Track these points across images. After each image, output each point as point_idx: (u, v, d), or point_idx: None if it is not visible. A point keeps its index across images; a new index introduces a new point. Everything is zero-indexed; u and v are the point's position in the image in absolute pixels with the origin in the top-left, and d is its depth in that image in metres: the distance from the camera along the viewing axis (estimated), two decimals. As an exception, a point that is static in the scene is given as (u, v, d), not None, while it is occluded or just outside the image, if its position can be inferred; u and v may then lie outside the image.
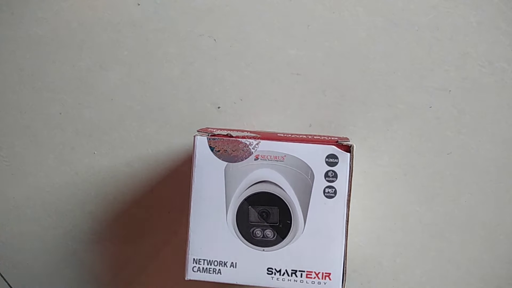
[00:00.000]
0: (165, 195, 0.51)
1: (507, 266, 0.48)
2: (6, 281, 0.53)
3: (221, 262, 0.38)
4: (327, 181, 0.38)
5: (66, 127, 0.51)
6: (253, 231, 0.38)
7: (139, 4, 0.50)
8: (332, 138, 0.40)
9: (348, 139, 0.40)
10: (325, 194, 0.37)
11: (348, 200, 0.38)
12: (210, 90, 0.50)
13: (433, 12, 0.48)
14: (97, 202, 0.51)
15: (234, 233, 0.38)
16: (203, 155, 0.38)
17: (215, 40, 0.50)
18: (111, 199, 0.51)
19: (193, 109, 0.50)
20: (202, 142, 0.38)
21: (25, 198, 0.52)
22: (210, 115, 0.50)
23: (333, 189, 0.37)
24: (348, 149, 0.37)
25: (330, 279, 0.38)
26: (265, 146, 0.38)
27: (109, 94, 0.51)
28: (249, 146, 0.38)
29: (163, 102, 0.50)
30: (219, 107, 0.50)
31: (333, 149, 0.38)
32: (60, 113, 0.51)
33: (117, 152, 0.51)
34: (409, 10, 0.48)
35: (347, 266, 0.38)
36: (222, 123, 0.50)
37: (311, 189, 0.37)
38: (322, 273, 0.38)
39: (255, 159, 0.38)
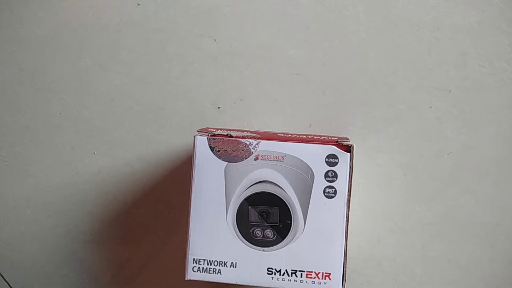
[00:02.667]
0: (165, 195, 0.51)
1: (507, 266, 0.48)
2: (6, 281, 0.53)
3: (221, 262, 0.38)
4: (327, 181, 0.38)
5: (66, 127, 0.51)
6: (253, 231, 0.38)
7: (139, 4, 0.50)
8: (332, 138, 0.40)
9: (348, 139, 0.40)
10: (325, 194, 0.37)
11: (348, 200, 0.37)
12: (210, 90, 0.50)
13: (433, 12, 0.48)
14: (97, 202, 0.51)
15: (234, 233, 0.38)
16: (203, 155, 0.38)
17: (215, 40, 0.50)
18: (111, 199, 0.51)
19: (193, 109, 0.50)
20: (202, 142, 0.38)
21: (25, 198, 0.52)
22: (210, 115, 0.50)
23: (333, 189, 0.37)
24: (348, 149, 0.37)
25: (330, 279, 0.38)
26: (265, 146, 0.38)
27: (109, 94, 0.51)
28: (249, 146, 0.38)
29: (163, 102, 0.50)
30: (219, 107, 0.50)
31: (333, 149, 0.38)
32: (60, 113, 0.51)
33: (117, 152, 0.51)
34: (409, 10, 0.48)
35: (347, 266, 0.38)
36: (222, 123, 0.50)
37: (311, 189, 0.37)
38: (322, 273, 0.38)
39: (255, 159, 0.38)
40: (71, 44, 0.51)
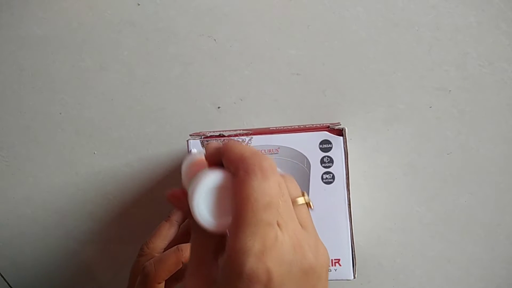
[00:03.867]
0: (165, 195, 0.51)
1: (507, 266, 0.48)
2: (6, 281, 0.53)
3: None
4: (324, 167, 0.38)
5: (66, 127, 0.51)
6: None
7: (139, 4, 0.50)
8: (324, 124, 0.40)
9: (339, 123, 0.40)
10: (323, 180, 0.37)
11: (347, 184, 0.37)
12: (210, 90, 0.50)
13: (433, 12, 0.48)
14: (97, 202, 0.51)
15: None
16: (197, 158, 0.38)
17: (215, 40, 0.50)
18: (111, 199, 0.51)
19: (193, 109, 0.50)
20: (195, 146, 0.38)
21: (25, 198, 0.52)
22: (210, 115, 0.50)
23: (331, 175, 0.37)
24: (340, 132, 0.37)
25: (340, 265, 0.37)
26: (258, 141, 0.38)
27: (109, 94, 0.51)
28: (242, 143, 0.38)
29: (163, 102, 0.50)
30: (219, 107, 0.50)
31: (325, 135, 0.38)
32: (60, 113, 0.51)
33: (117, 152, 0.51)
34: (409, 10, 0.48)
35: (355, 250, 0.37)
36: (222, 123, 0.50)
37: (309, 177, 0.37)
38: (332, 260, 0.37)
39: (249, 156, 0.38)
40: (71, 44, 0.51)
